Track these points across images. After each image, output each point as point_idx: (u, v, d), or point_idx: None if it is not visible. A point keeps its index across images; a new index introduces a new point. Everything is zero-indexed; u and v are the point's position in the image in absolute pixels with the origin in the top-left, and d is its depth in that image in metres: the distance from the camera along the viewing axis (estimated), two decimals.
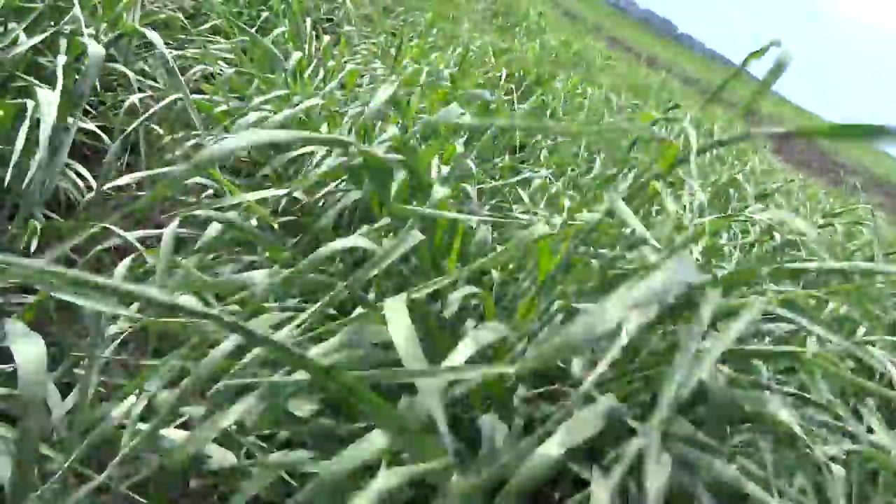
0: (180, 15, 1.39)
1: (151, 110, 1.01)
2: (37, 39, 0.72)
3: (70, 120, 0.60)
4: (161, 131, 0.96)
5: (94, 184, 0.86)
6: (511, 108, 1.79)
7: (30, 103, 0.54)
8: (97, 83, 1.18)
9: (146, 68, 1.28)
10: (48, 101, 0.50)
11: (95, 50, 0.50)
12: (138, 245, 0.59)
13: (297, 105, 0.80)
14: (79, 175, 0.88)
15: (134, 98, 0.84)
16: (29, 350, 0.31)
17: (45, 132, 0.47)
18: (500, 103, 1.65)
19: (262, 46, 0.98)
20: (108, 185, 0.76)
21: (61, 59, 0.52)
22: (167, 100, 0.91)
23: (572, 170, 1.48)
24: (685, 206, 1.43)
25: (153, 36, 0.54)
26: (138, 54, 1.32)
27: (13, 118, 0.62)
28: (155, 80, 1.25)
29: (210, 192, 0.94)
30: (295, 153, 0.71)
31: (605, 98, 2.72)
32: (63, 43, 0.96)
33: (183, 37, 1.45)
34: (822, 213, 1.95)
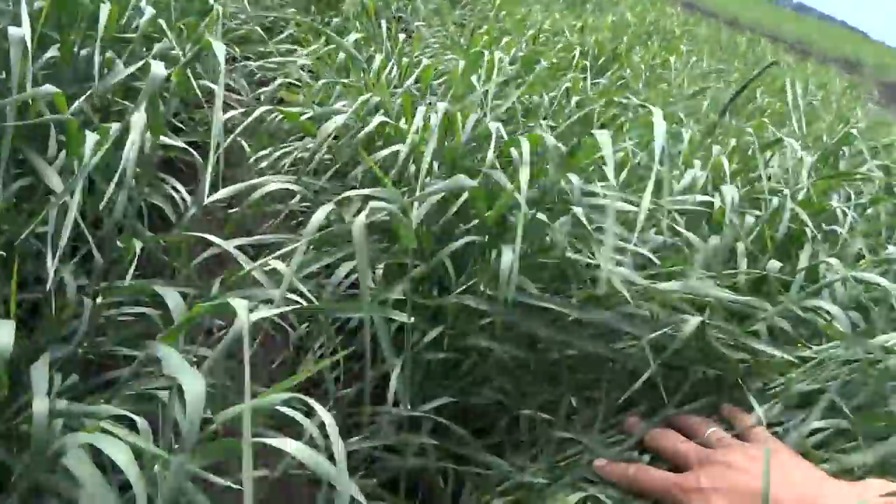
0: (258, 28, 1.44)
1: (240, 125, 1.05)
2: (133, 68, 0.75)
3: (148, 136, 0.63)
4: (243, 143, 0.99)
5: (188, 199, 0.91)
6: (587, 86, 1.73)
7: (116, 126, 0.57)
8: (184, 101, 1.24)
9: (231, 83, 1.33)
10: (137, 123, 0.52)
11: (157, 70, 0.52)
12: (238, 253, 0.61)
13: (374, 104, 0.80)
14: (175, 190, 0.92)
15: (224, 114, 0.87)
16: (191, 386, 0.32)
17: (129, 152, 0.49)
18: (576, 82, 1.60)
19: (344, 49, 1.00)
20: (207, 200, 0.79)
21: (157, 69, 0.55)
22: (256, 113, 0.94)
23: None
24: (787, 169, 1.33)
25: (217, 47, 0.55)
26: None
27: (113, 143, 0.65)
28: (239, 94, 1.31)
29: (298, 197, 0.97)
30: (384, 153, 0.71)
31: (688, 65, 2.58)
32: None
33: (262, 49, 1.50)
34: None
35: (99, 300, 0.52)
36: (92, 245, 0.55)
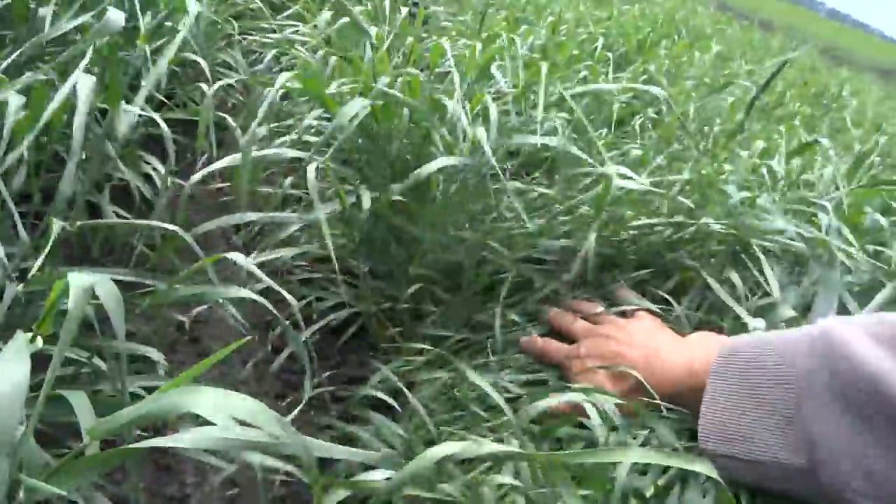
0: (260, 3, 1.37)
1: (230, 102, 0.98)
2: (80, 19, 0.68)
3: (126, 107, 0.56)
4: (231, 121, 0.92)
5: (169, 181, 0.84)
6: (608, 79, 1.64)
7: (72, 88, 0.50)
8: (177, 76, 1.17)
9: (228, 59, 1.26)
10: (85, 85, 0.45)
11: (114, 17, 0.45)
12: (192, 242, 0.53)
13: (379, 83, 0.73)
14: (155, 170, 0.85)
15: (209, 90, 0.80)
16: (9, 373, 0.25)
17: (77, 123, 0.42)
18: (595, 73, 1.51)
19: (352, 18, 0.92)
20: (189, 181, 0.72)
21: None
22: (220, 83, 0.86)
23: (678, 143, 1.32)
24: (820, 176, 1.23)
25: (192, 7, 0.48)
26: (219, 48, 1.31)
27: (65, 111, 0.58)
28: (237, 71, 1.24)
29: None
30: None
31: (717, 63, 2.47)
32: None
33: (266, 26, 1.43)
34: None
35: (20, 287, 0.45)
36: (18, 223, 0.48)
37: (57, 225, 0.40)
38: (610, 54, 1.78)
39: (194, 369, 0.30)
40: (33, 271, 0.40)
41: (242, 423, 0.28)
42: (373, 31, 0.98)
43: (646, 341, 0.58)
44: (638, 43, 2.23)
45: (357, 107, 0.66)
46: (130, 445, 0.28)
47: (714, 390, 0.47)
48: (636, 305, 0.65)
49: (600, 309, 0.65)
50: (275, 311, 0.48)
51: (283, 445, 0.31)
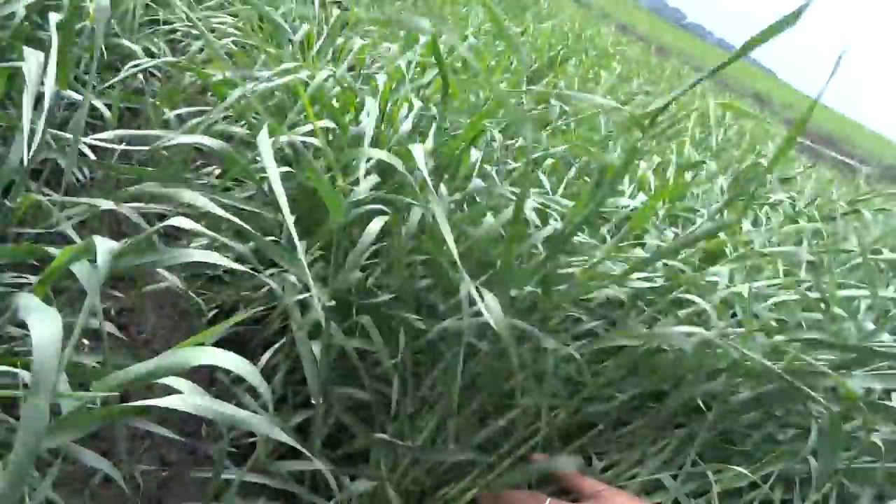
0: None
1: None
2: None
3: (58, 89, 0.56)
4: (158, 104, 0.92)
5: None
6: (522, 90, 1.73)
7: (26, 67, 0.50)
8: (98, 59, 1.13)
9: (150, 47, 1.24)
10: (36, 63, 0.46)
11: (103, 1, 0.46)
12: (132, 213, 0.55)
13: (307, 77, 0.76)
14: (81, 154, 0.84)
15: (135, 71, 0.80)
16: (43, 324, 0.28)
17: (27, 99, 0.43)
18: (512, 83, 1.60)
19: (266, 17, 0.94)
20: (86, 139, 0.71)
21: (54, 17, 0.48)
22: (158, 62, 0.87)
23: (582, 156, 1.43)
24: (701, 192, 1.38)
25: None
26: (142, 32, 1.28)
27: (5, 85, 0.58)
28: (157, 57, 1.21)
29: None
30: (305, 129, 0.66)
31: (618, 82, 2.66)
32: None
33: (187, 13, 1.40)
34: (844, 199, 1.90)
35: None
36: None
37: (24, 199, 0.41)
38: (522, 68, 1.89)
39: (203, 334, 0.33)
40: None
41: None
42: (305, 28, 1.00)
43: None
44: (549, 59, 2.36)
45: (237, 92, 0.68)
46: (135, 403, 0.30)
47: None
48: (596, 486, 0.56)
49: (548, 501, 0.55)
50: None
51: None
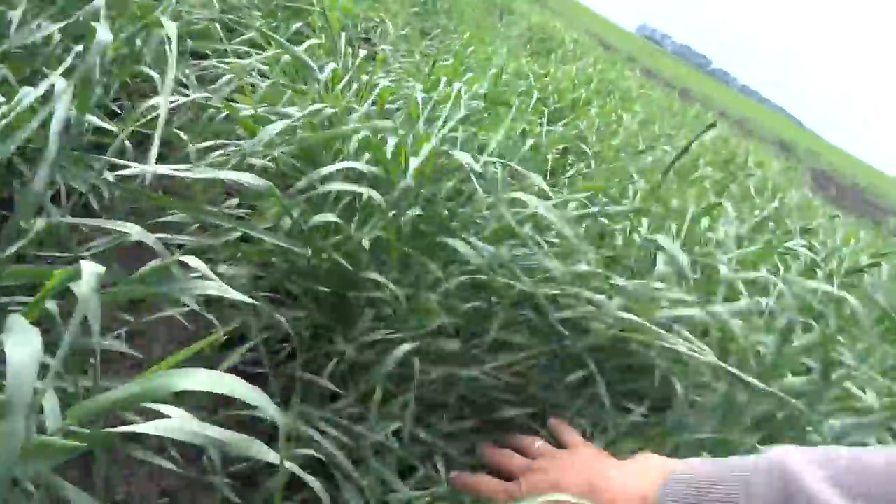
0: (217, 25, 1.39)
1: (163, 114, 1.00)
2: (57, 25, 0.70)
3: (80, 116, 0.58)
4: (184, 137, 0.94)
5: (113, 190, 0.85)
6: (543, 131, 1.75)
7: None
8: (125, 86, 1.17)
9: (181, 77, 1.27)
10: (62, 87, 0.47)
11: (102, 34, 0.48)
12: (155, 241, 0.56)
13: (330, 116, 0.77)
14: (101, 177, 0.86)
15: (158, 100, 0.82)
16: (21, 344, 0.28)
17: (56, 123, 0.44)
18: (534, 125, 1.62)
19: (294, 56, 0.97)
20: (115, 173, 0.73)
21: (77, 48, 0.50)
22: (193, 97, 0.89)
23: (604, 197, 1.43)
24: (723, 236, 1.37)
25: (169, 27, 0.52)
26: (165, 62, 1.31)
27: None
28: (186, 87, 1.25)
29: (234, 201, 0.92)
30: (326, 170, 0.67)
31: (640, 125, 2.67)
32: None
33: (219, 47, 1.45)
34: (867, 252, 1.87)
35: None
36: None
37: (40, 222, 0.42)
38: (546, 108, 1.91)
39: (180, 354, 0.33)
40: None
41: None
42: (331, 66, 1.03)
43: (587, 470, 0.57)
44: (572, 101, 2.39)
45: (276, 128, 0.69)
46: (111, 429, 0.30)
47: None
48: (565, 435, 0.64)
49: (539, 444, 0.64)
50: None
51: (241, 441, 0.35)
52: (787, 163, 6.75)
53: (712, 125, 0.69)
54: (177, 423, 0.34)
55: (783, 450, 0.47)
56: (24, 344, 0.26)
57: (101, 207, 0.77)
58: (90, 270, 0.31)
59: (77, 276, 0.32)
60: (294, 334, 0.61)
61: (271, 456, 0.36)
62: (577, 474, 0.56)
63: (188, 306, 0.68)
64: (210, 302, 0.82)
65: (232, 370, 0.72)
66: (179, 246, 0.96)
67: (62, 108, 0.44)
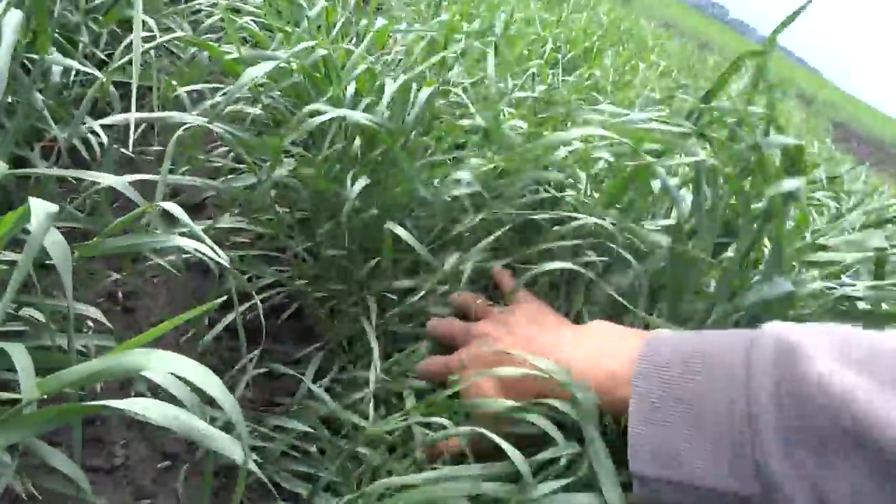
0: None
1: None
2: None
3: (59, 58, 0.52)
4: (175, 84, 0.88)
5: (104, 138, 0.79)
6: (556, 80, 1.67)
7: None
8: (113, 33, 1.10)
9: (171, 25, 1.20)
10: (11, 20, 0.41)
11: None
12: (132, 191, 0.50)
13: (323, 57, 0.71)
14: (92, 131, 0.80)
15: (134, 37, 0.76)
16: None
17: (2, 60, 0.38)
18: (545, 74, 1.53)
19: None
20: (99, 122, 0.67)
21: None
22: (168, 37, 0.82)
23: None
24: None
25: None
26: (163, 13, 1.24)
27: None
28: (172, 30, 1.18)
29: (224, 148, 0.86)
30: (321, 118, 0.61)
31: (658, 76, 2.56)
32: None
33: None
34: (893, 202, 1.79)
35: None
36: None
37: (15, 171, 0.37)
38: (559, 55, 1.82)
39: (148, 333, 0.29)
40: None
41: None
42: (322, 3, 0.95)
43: (533, 331, 0.50)
44: (585, 50, 2.28)
45: (259, 71, 0.63)
46: (83, 403, 0.26)
47: (641, 400, 0.40)
48: (508, 286, 0.56)
49: (479, 301, 0.55)
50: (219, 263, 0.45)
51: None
52: (807, 114, 6.57)
53: (739, 59, 0.63)
54: (151, 405, 0.29)
55: (786, 327, 0.38)
56: None
57: (92, 161, 0.71)
58: (41, 207, 0.26)
59: (27, 216, 0.27)
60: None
61: (237, 454, 0.32)
62: (521, 339, 0.48)
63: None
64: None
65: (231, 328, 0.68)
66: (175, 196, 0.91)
67: (8, 37, 0.38)
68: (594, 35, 2.68)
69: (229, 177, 0.88)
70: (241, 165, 0.85)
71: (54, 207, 0.29)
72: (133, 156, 0.88)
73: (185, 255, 0.65)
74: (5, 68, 0.42)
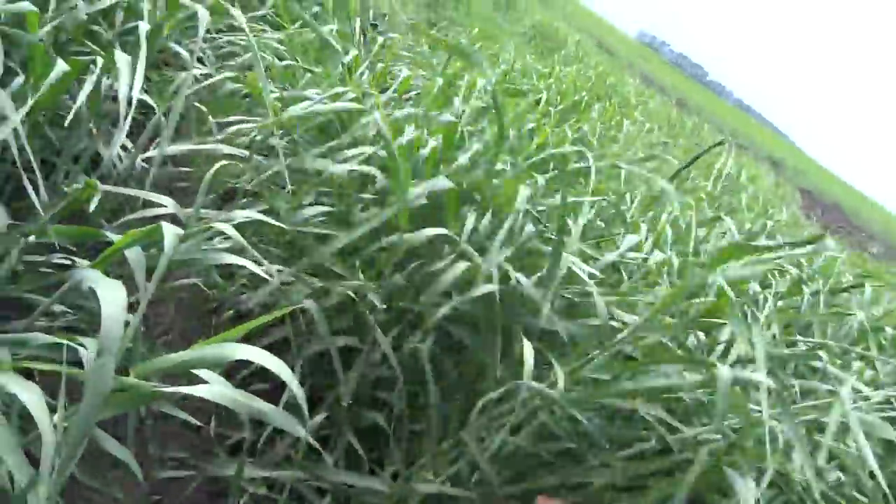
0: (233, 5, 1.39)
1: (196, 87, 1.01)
2: (97, 7, 0.71)
3: (130, 90, 0.59)
4: (206, 111, 0.95)
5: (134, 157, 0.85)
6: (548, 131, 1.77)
7: (97, 63, 0.53)
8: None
9: (196, 51, 1.28)
10: (124, 62, 0.49)
11: (203, 13, 0.49)
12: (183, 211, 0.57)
13: (351, 100, 0.79)
14: (123, 148, 0.87)
15: (186, 75, 0.83)
16: (111, 293, 0.31)
17: (123, 94, 0.46)
18: (539, 125, 1.64)
19: (319, 36, 0.98)
20: (146, 154, 0.75)
21: (144, 26, 0.51)
22: (214, 79, 0.90)
23: (605, 200, 1.46)
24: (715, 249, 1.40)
25: (202, 13, 0.53)
26: (186, 36, 1.32)
27: (76, 77, 0.60)
28: (203, 63, 1.25)
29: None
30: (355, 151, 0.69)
31: (640, 133, 2.70)
32: (119, 15, 0.96)
33: (234, 23, 1.45)
34: (852, 272, 1.92)
35: (31, 239, 0.47)
36: (38, 184, 0.50)
37: (77, 187, 0.44)
38: (552, 109, 1.93)
39: (235, 330, 0.35)
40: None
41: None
42: (353, 52, 1.04)
43: None
44: (574, 103, 2.41)
45: (299, 109, 0.70)
46: (170, 388, 0.32)
47: None
48: None
49: None
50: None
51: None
52: (777, 180, 6.85)
53: (720, 143, 0.72)
54: (222, 390, 0.36)
55: None
56: (114, 295, 0.28)
57: (125, 180, 0.77)
58: (171, 234, 0.33)
59: (157, 235, 0.34)
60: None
61: (298, 429, 0.39)
62: None
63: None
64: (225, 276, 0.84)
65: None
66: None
67: (126, 79, 0.45)
68: (583, 89, 2.82)
69: None
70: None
71: (181, 231, 0.36)
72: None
73: None
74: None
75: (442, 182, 0.58)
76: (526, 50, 3.38)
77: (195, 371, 0.40)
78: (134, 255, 0.37)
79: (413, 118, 0.75)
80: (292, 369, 0.68)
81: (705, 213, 1.79)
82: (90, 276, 0.30)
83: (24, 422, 0.35)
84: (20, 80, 0.56)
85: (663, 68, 17.91)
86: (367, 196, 0.72)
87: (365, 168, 0.69)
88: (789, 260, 1.69)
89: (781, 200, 4.17)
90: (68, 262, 0.54)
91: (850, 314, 1.11)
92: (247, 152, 0.66)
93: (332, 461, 0.58)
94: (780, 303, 1.34)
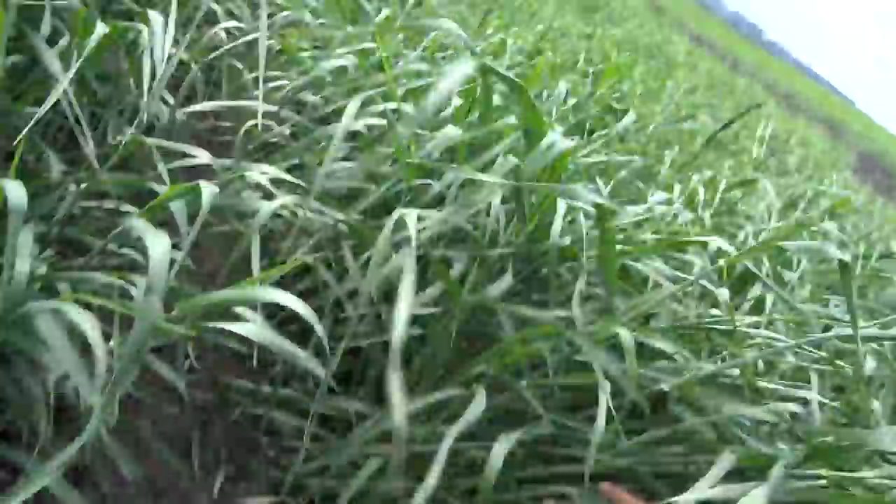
0: None
1: (232, 44, 1.04)
2: None
3: (168, 48, 0.62)
4: (241, 67, 0.98)
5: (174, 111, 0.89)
6: (587, 91, 1.75)
7: (140, 26, 0.56)
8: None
9: (231, 8, 1.31)
10: (159, 22, 0.52)
11: None
12: (217, 161, 0.61)
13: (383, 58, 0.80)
14: (163, 100, 0.91)
15: (219, 30, 0.86)
16: (157, 240, 0.34)
17: (158, 55, 0.49)
18: (576, 85, 1.62)
19: None
20: (186, 109, 0.78)
21: None
22: (250, 37, 0.93)
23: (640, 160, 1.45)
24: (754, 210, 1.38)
25: None
26: None
27: (117, 39, 0.64)
28: (239, 20, 1.28)
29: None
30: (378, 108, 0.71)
31: (685, 93, 2.63)
32: None
33: None
34: None
35: (83, 186, 0.51)
36: (88, 135, 0.54)
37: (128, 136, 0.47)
38: (590, 68, 1.90)
39: (263, 274, 0.39)
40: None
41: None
42: (385, 11, 1.05)
43: None
44: (616, 64, 2.36)
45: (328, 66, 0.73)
46: (213, 324, 0.36)
47: None
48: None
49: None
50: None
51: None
52: (833, 143, 6.57)
53: (758, 105, 0.71)
54: (258, 329, 0.39)
55: None
56: (160, 242, 0.32)
57: (167, 132, 0.82)
58: (209, 190, 0.36)
59: (195, 192, 0.37)
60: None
61: (318, 369, 0.42)
62: None
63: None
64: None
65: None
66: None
67: (160, 37, 0.48)
68: (625, 50, 2.75)
69: None
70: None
71: (216, 189, 0.39)
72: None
73: None
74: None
75: (452, 132, 0.60)
76: (567, 9, 3.29)
77: (238, 311, 0.44)
78: (177, 206, 0.41)
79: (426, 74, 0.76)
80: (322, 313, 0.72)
81: (746, 175, 1.75)
82: (138, 226, 0.34)
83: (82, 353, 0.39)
84: (65, 40, 0.60)
85: (716, 27, 17.17)
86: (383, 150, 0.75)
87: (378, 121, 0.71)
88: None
89: (834, 164, 4.01)
90: (116, 208, 0.59)
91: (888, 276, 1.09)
92: (280, 108, 0.69)
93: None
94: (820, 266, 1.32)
